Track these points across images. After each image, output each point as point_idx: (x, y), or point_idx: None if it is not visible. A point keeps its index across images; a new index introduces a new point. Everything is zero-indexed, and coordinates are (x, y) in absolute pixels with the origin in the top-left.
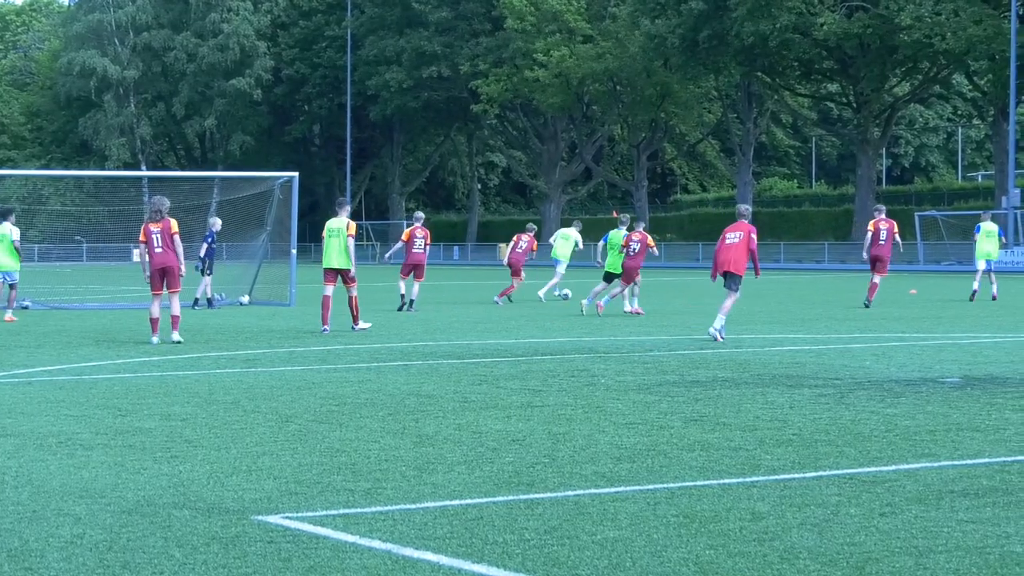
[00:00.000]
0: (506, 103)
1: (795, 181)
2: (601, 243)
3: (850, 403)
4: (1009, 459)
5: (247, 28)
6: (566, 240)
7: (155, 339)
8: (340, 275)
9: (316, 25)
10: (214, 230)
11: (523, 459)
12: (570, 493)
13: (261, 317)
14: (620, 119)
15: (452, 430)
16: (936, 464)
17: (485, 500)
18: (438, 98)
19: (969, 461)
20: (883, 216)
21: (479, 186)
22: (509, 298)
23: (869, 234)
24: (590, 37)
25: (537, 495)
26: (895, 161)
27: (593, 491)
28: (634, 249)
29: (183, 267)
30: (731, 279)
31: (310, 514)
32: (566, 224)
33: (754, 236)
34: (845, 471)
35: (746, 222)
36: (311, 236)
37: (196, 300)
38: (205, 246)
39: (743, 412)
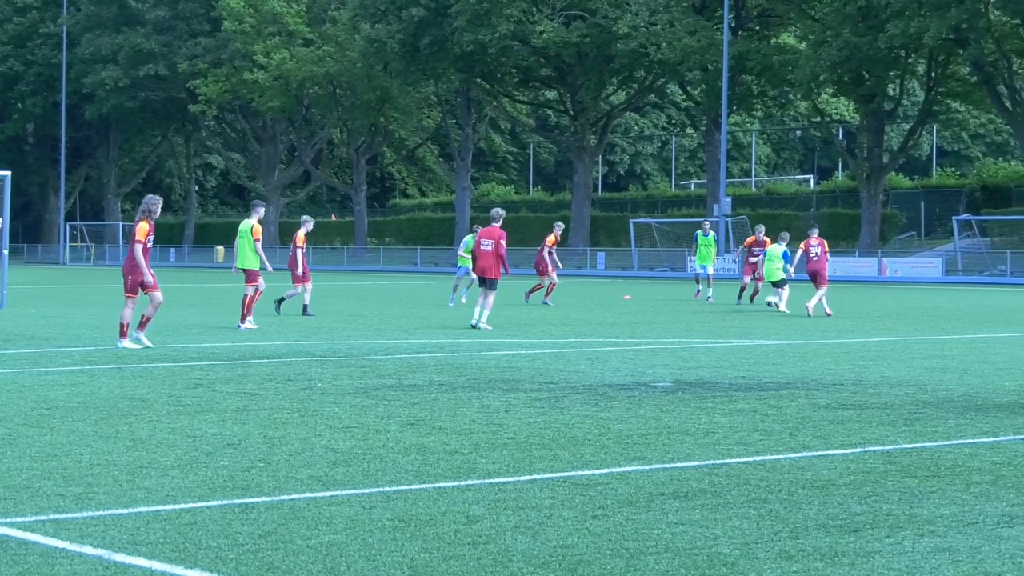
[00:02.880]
0: (224, 104)
1: (513, 187)
2: (761, 257)
3: (564, 407)
4: (718, 462)
5: None
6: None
7: (140, 338)
8: (244, 273)
9: (31, 22)
10: None
11: (238, 463)
12: (285, 497)
13: None
14: (340, 123)
15: (166, 434)
16: (647, 467)
17: (199, 505)
18: (155, 98)
19: (679, 464)
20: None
21: (196, 188)
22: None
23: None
24: (311, 40)
25: (252, 499)
26: (611, 168)
27: (308, 495)
28: (816, 254)
29: (141, 273)
30: (489, 282)
31: (19, 519)
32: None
33: (503, 242)
34: (559, 474)
35: (498, 227)
36: (24, 237)
37: None
38: None
39: (459, 416)
